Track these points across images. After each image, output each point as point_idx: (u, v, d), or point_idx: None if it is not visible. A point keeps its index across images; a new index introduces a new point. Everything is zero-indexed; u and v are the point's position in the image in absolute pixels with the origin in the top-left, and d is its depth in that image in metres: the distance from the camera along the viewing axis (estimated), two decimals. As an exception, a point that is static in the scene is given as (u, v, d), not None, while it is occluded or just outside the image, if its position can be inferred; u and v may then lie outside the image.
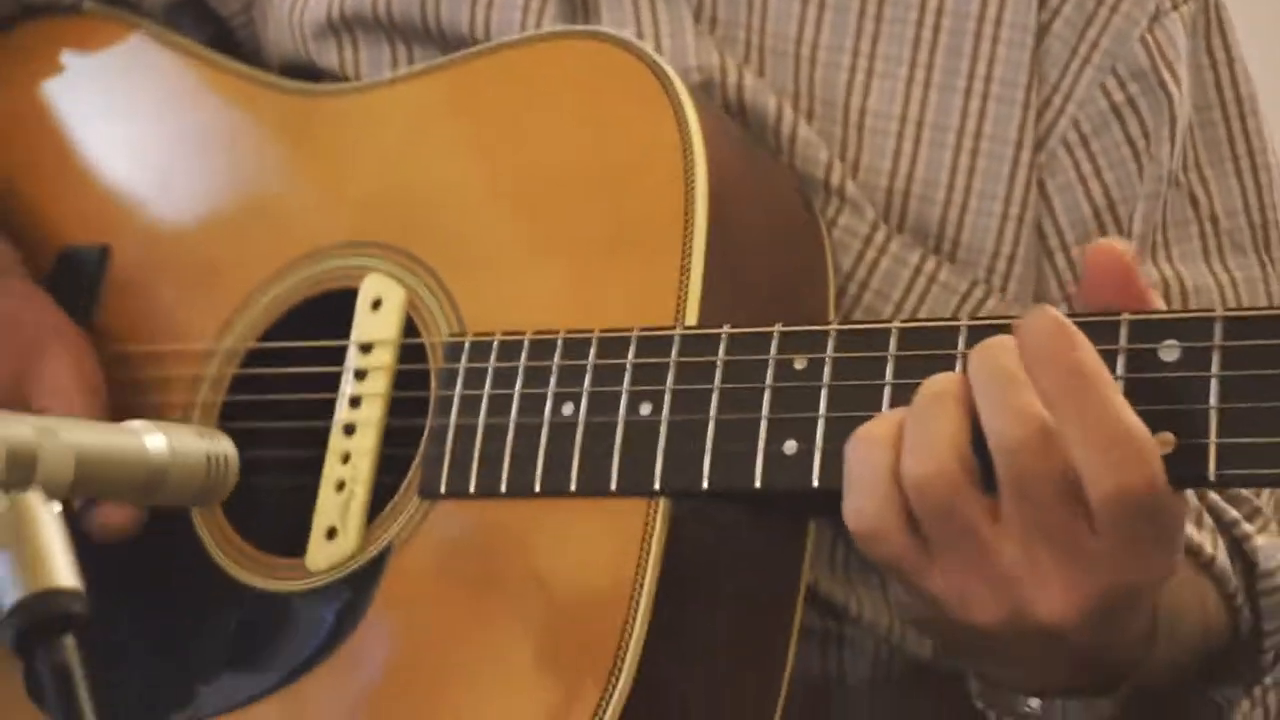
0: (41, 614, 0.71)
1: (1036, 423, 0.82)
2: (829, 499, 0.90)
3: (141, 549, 1.12)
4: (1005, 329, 0.87)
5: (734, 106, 1.15)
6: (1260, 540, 1.14)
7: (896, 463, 0.86)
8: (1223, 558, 1.11)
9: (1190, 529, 1.08)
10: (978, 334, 0.88)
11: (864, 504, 0.87)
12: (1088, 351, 0.82)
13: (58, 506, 0.75)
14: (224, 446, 0.87)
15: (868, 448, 0.87)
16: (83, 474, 0.78)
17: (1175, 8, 1.19)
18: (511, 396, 1.02)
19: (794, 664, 1.03)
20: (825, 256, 1.13)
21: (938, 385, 0.86)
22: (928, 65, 1.17)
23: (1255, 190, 1.21)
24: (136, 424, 0.84)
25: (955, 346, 0.89)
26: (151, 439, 0.83)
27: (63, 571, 0.73)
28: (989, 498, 0.84)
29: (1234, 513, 1.13)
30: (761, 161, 1.14)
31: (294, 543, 1.10)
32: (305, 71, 1.30)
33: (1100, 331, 0.84)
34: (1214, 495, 1.07)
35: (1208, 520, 1.12)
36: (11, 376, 1.17)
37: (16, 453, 0.75)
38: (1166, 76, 1.17)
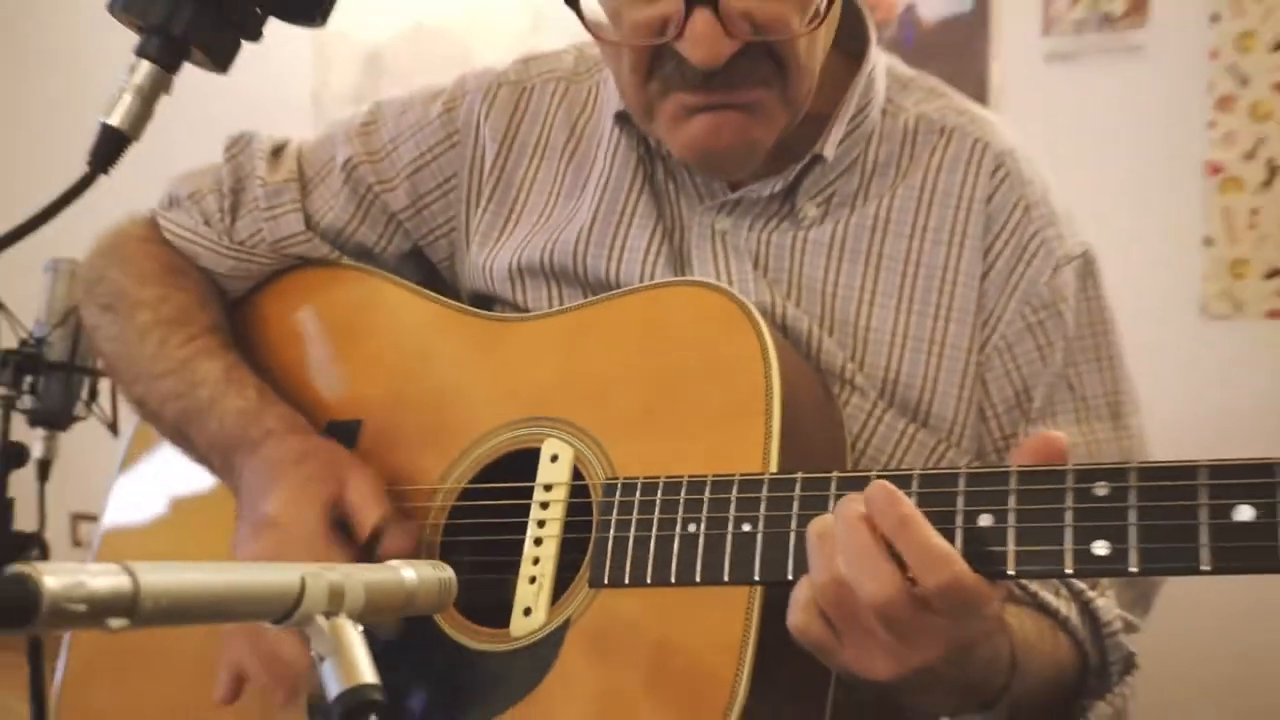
0: (356, 702, 0.82)
1: (884, 562, 0.98)
2: None
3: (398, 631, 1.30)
4: (954, 477, 1.02)
5: (779, 327, 1.32)
6: (1100, 602, 1.30)
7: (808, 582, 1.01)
8: (1075, 618, 1.29)
9: (1050, 596, 1.28)
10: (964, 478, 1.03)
11: (795, 610, 1.04)
12: (907, 505, 0.98)
13: (360, 626, 0.86)
14: (448, 573, 0.96)
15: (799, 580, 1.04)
16: (369, 600, 0.87)
17: (1068, 263, 1.37)
18: (652, 519, 1.16)
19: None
20: (842, 425, 1.32)
21: (821, 527, 1.02)
22: (910, 298, 1.35)
23: (1112, 381, 1.39)
24: (396, 563, 0.94)
25: (906, 487, 1.03)
26: (406, 573, 0.93)
27: (367, 671, 0.83)
28: None
29: (1080, 584, 1.29)
30: (802, 364, 1.31)
31: (496, 617, 1.26)
32: (486, 299, 1.52)
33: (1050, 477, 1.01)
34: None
35: (1064, 590, 1.29)
36: (332, 495, 1.32)
37: (334, 591, 0.85)
38: (1062, 308, 1.36)
